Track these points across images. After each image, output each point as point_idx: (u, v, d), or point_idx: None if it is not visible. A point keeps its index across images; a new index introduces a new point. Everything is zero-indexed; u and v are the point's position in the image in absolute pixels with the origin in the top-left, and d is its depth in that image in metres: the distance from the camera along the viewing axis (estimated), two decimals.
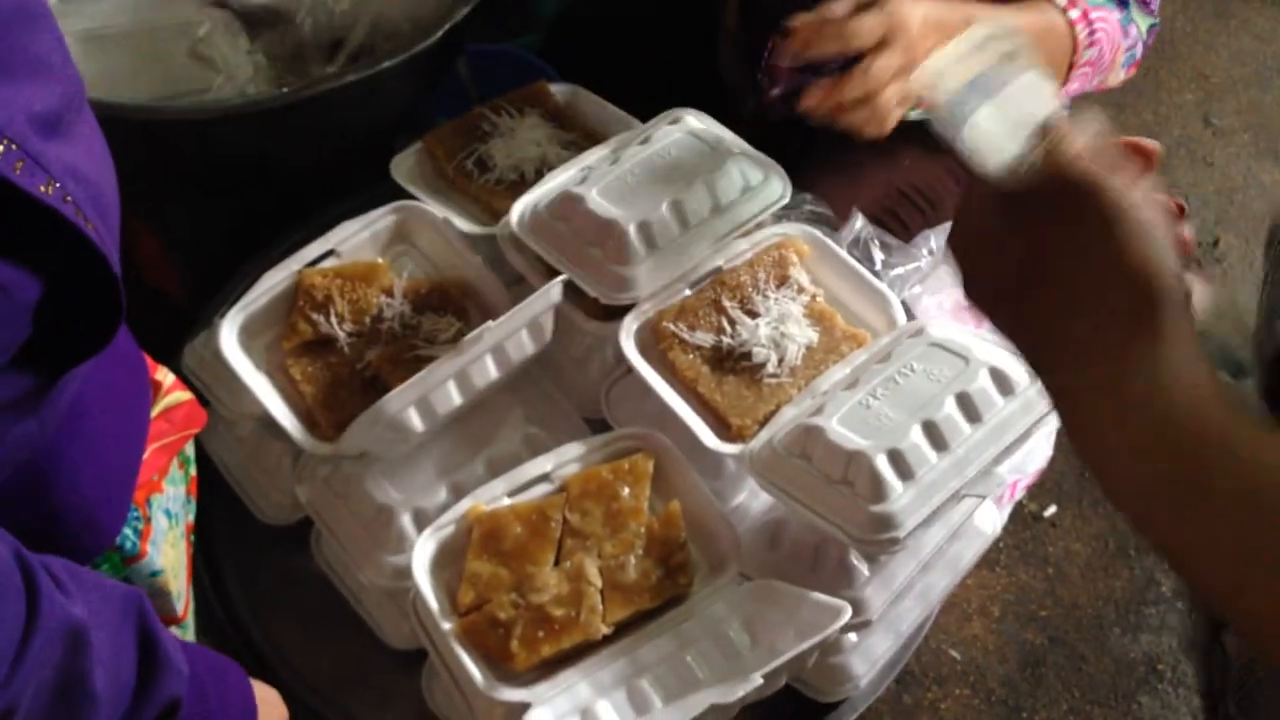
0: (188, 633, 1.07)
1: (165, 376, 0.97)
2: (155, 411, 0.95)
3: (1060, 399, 0.67)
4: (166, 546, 0.97)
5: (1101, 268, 0.62)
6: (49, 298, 0.67)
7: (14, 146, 0.62)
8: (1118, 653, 1.88)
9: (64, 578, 0.70)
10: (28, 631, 0.64)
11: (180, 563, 1.02)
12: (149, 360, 0.96)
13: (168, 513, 0.98)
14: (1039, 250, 0.65)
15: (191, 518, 1.07)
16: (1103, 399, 0.63)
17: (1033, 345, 0.69)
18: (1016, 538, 1.99)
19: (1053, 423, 1.18)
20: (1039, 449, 1.55)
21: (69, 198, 0.65)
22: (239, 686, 0.84)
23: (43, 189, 0.63)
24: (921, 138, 1.65)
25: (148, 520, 0.93)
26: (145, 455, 0.93)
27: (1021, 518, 2.01)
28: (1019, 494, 1.60)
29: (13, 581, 0.65)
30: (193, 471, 1.08)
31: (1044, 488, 2.03)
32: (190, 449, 1.07)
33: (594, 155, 1.27)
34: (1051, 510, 2.02)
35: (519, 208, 1.22)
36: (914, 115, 1.62)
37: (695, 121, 1.29)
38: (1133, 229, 0.62)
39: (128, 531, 0.90)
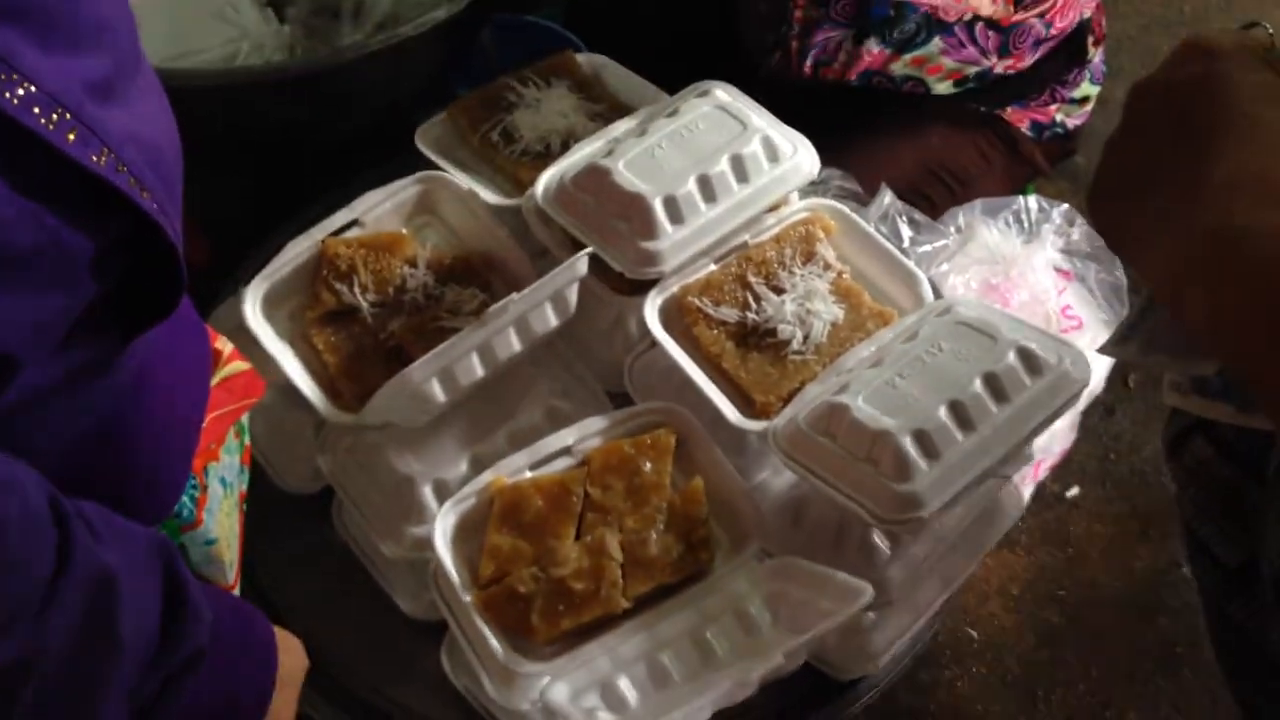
0: None
1: (225, 345, 0.97)
2: (215, 380, 0.95)
3: None
4: (221, 515, 0.97)
5: None
6: (111, 261, 0.67)
7: (68, 115, 0.62)
8: (1136, 634, 1.86)
9: (98, 524, 0.70)
10: (59, 576, 0.65)
11: (233, 531, 1.02)
12: (210, 330, 0.96)
13: (223, 481, 0.99)
14: None
15: (245, 486, 1.07)
16: None
17: None
18: (1038, 518, 1.98)
19: (1079, 403, 1.17)
20: (1063, 430, 1.54)
21: (123, 166, 0.65)
22: (263, 634, 0.85)
23: (95, 159, 0.63)
24: (949, 114, 1.63)
25: (204, 489, 0.93)
26: (205, 424, 0.93)
27: (1043, 498, 1.99)
28: (1043, 474, 1.59)
29: (46, 526, 0.65)
30: (247, 441, 1.08)
31: (1067, 468, 2.01)
32: (246, 419, 1.07)
33: (621, 128, 1.26)
34: (1074, 491, 2.01)
35: (545, 180, 1.21)
36: (941, 87, 1.61)
37: (723, 94, 1.27)
38: None
39: (185, 499, 0.90)
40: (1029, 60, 1.61)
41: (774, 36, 1.60)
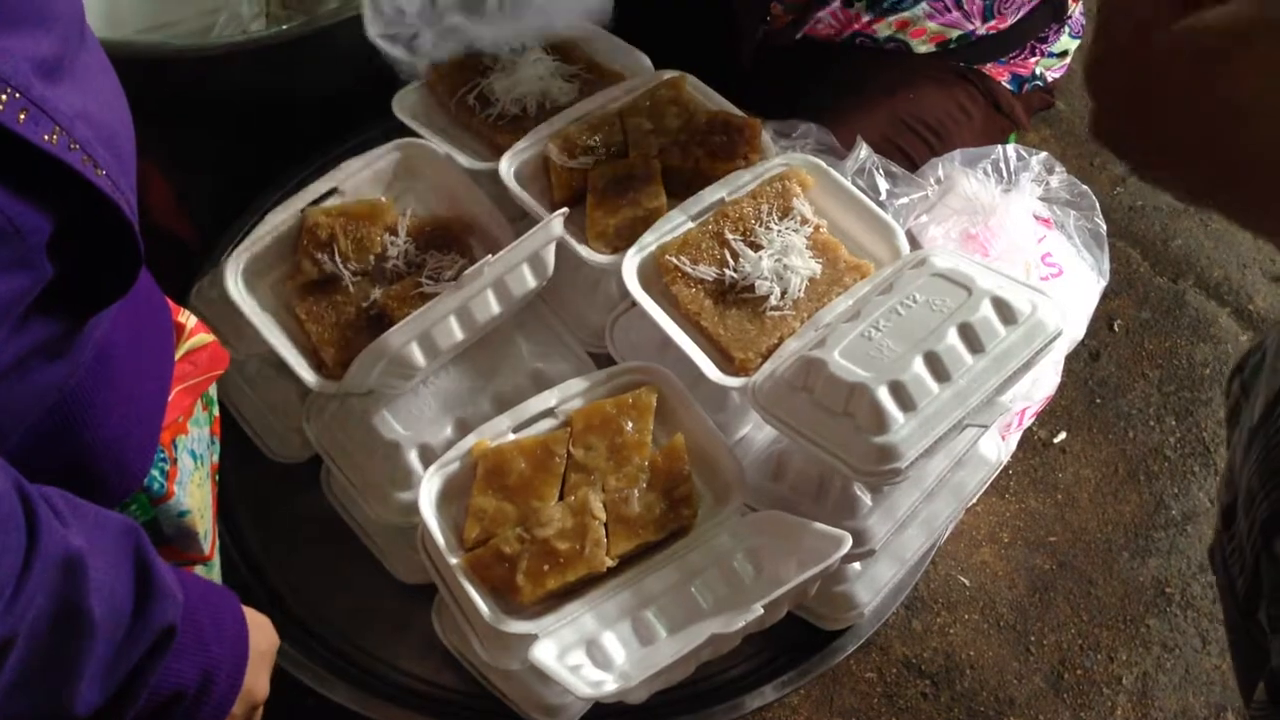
0: (213, 571, 1.09)
1: (188, 319, 0.98)
2: (179, 354, 0.96)
3: None
4: (193, 487, 0.98)
5: None
6: (68, 240, 0.67)
7: (17, 95, 0.62)
8: (1126, 576, 1.89)
9: (63, 509, 0.71)
10: (28, 561, 0.66)
11: (206, 503, 1.03)
12: (171, 304, 0.97)
13: (193, 453, 1.00)
14: None
15: (216, 458, 1.08)
16: None
17: None
18: (1026, 464, 1.99)
19: (1059, 349, 1.17)
20: (1046, 376, 1.55)
21: (75, 144, 0.65)
22: (232, 612, 0.86)
23: (47, 138, 0.63)
24: (928, 70, 1.63)
25: (174, 461, 0.94)
26: (170, 397, 0.94)
27: (1031, 444, 2.01)
28: (1027, 421, 1.60)
29: (14, 513, 0.66)
30: (215, 412, 1.09)
31: (1054, 414, 2.03)
32: (213, 390, 1.08)
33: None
34: (1061, 436, 2.02)
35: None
36: (922, 48, 1.61)
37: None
38: None
39: (155, 473, 0.91)
40: (1011, 21, 1.61)
41: (759, 9, 1.61)
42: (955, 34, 1.59)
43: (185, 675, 0.79)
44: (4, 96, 0.61)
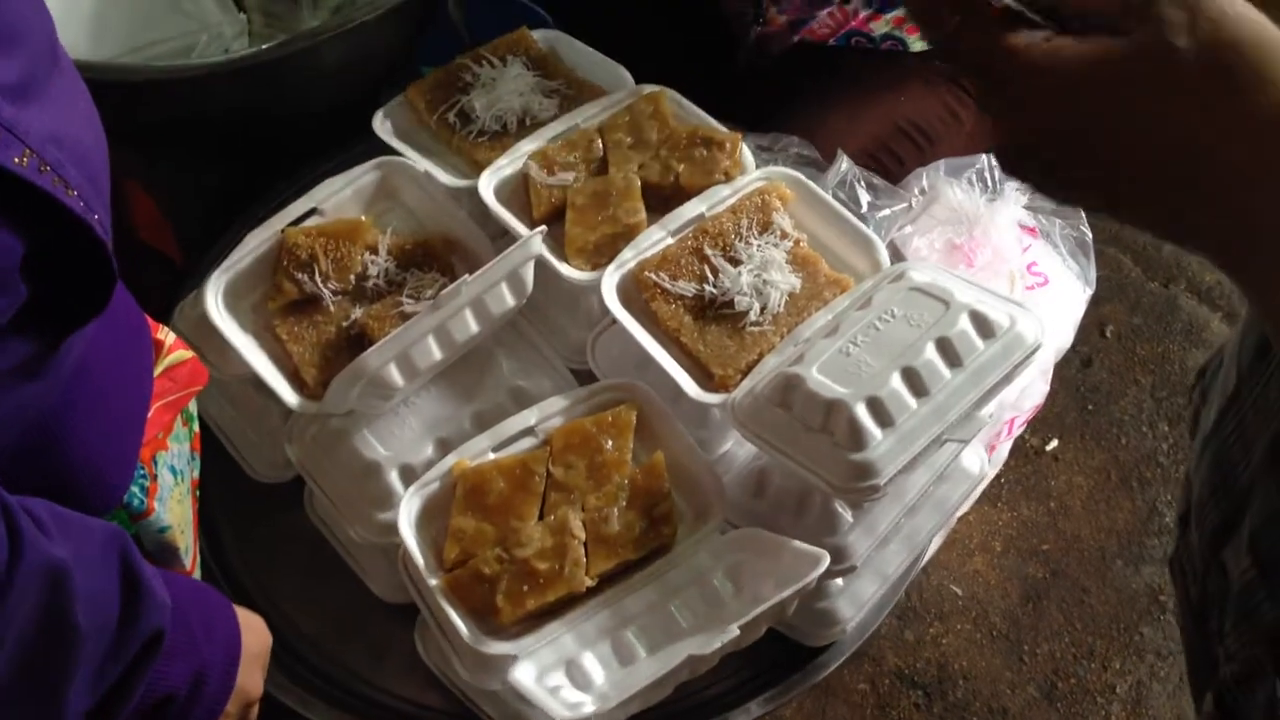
0: None
1: (167, 336, 0.98)
2: (158, 370, 0.96)
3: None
4: (173, 503, 0.98)
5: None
6: (41, 262, 0.67)
7: None
8: (1120, 584, 1.88)
9: (45, 518, 0.71)
10: (10, 572, 0.66)
11: (187, 519, 1.03)
12: (150, 320, 0.97)
13: (173, 469, 1.00)
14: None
15: (196, 474, 1.08)
16: None
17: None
18: (1018, 472, 1.99)
19: (1043, 359, 1.16)
20: (1035, 385, 1.55)
21: (46, 166, 0.66)
22: (222, 613, 0.86)
23: (17, 160, 0.63)
24: (921, 73, 1.63)
25: (154, 478, 0.94)
26: (150, 414, 0.94)
27: (1023, 452, 2.00)
28: (1017, 430, 1.60)
29: None
30: (196, 428, 1.09)
31: (1045, 421, 2.03)
32: (193, 406, 1.08)
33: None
34: (1053, 444, 2.02)
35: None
36: (918, 46, 1.61)
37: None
38: None
39: (135, 489, 0.91)
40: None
41: (752, 14, 1.61)
42: None
43: (176, 677, 0.79)
44: None
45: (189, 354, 1.00)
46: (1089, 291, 1.52)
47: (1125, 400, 2.08)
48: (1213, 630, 0.79)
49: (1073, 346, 1.62)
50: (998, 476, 1.92)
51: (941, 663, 1.81)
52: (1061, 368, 1.86)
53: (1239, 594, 0.75)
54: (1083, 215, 1.52)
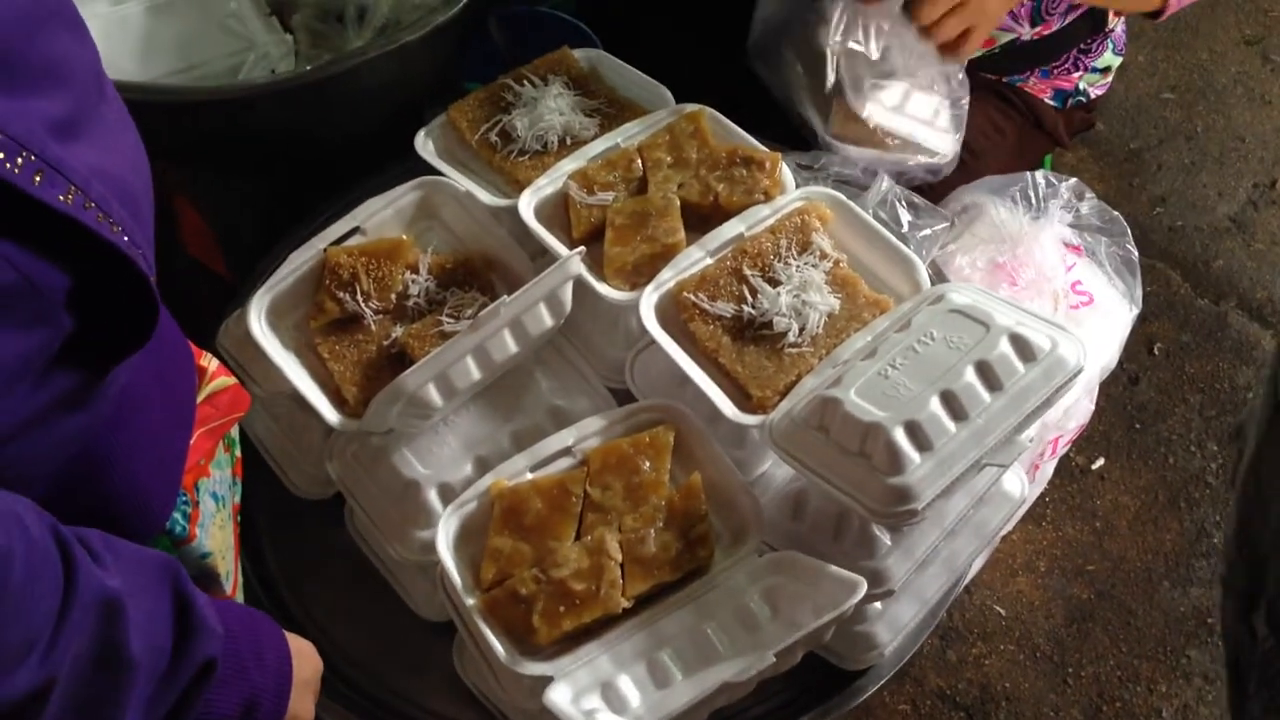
0: None
1: (210, 362, 0.99)
2: (201, 397, 0.98)
3: None
4: (214, 529, 0.99)
5: None
6: (86, 294, 0.69)
7: (32, 157, 0.63)
8: (1167, 606, 1.85)
9: (99, 549, 0.73)
10: (65, 605, 0.67)
11: (228, 544, 1.04)
12: (193, 347, 0.98)
13: (215, 496, 1.01)
14: None
15: (238, 499, 1.09)
16: None
17: None
18: (1063, 491, 1.97)
19: (1087, 378, 1.14)
20: (1080, 404, 1.53)
21: (91, 202, 0.67)
22: (273, 640, 0.87)
23: (62, 198, 0.65)
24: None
25: (196, 504, 0.96)
26: (192, 441, 0.95)
27: (1069, 471, 1.98)
28: (1062, 449, 1.58)
29: (50, 558, 0.67)
30: (238, 453, 1.10)
31: (1092, 440, 2.00)
32: (235, 431, 1.09)
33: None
34: (1099, 463, 1.99)
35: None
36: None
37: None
38: None
39: (177, 516, 0.92)
40: (1056, 27, 1.61)
41: None
42: (1004, 39, 1.59)
43: (228, 705, 0.80)
44: (20, 159, 0.63)
45: (231, 380, 1.01)
46: (1135, 311, 1.50)
47: (1173, 419, 2.05)
48: (1248, 692, 0.78)
49: (1120, 364, 1.61)
50: (1042, 496, 1.90)
51: (984, 684, 1.79)
52: (1108, 386, 1.84)
53: (1261, 660, 0.75)
54: (1129, 233, 1.50)
